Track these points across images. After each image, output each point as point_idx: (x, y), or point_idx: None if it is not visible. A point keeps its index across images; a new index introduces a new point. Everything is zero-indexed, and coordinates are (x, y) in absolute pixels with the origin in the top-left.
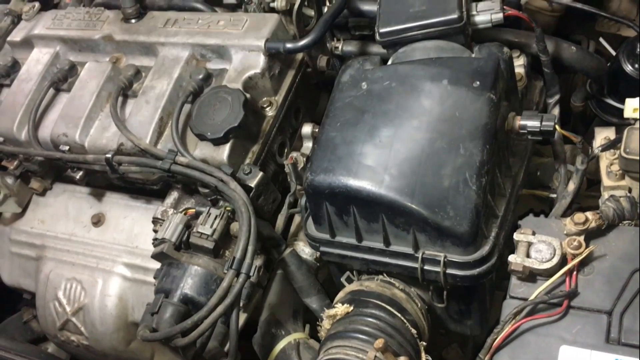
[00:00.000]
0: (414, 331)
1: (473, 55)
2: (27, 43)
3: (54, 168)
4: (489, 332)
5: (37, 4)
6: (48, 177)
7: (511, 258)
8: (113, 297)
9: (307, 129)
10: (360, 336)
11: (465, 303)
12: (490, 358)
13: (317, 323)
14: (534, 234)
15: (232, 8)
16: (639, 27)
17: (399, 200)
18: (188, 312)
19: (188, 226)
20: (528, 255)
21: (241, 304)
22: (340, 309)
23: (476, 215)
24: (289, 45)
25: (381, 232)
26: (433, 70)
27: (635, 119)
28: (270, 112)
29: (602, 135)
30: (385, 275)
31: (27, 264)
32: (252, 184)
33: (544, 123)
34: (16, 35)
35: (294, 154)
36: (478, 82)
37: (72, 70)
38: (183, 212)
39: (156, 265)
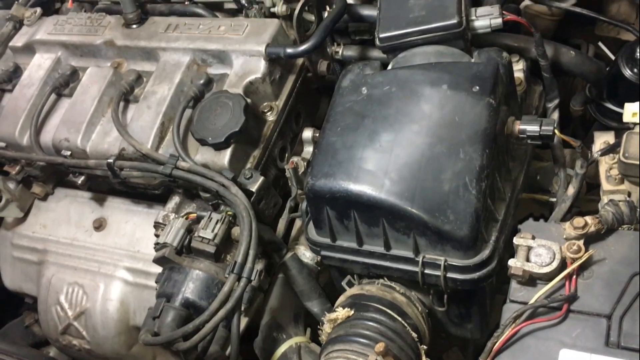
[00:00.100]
0: (414, 335)
1: (472, 60)
2: (29, 48)
3: (56, 173)
4: (489, 335)
5: (38, 10)
6: (50, 182)
7: (511, 262)
8: (115, 302)
9: (307, 133)
10: (361, 340)
11: (465, 307)
12: None
13: (318, 327)
14: (533, 238)
15: (233, 13)
16: (638, 31)
17: (399, 205)
18: (189, 316)
19: (189, 231)
20: (528, 260)
21: (242, 308)
22: (341, 312)
23: (476, 219)
24: (289, 50)
25: (382, 236)
26: (433, 75)
27: (634, 124)
28: (271, 117)
29: (602, 139)
30: (385, 279)
31: (29, 268)
32: (253, 188)
33: (543, 127)
34: (18, 41)
35: (295, 159)
36: (477, 87)
37: (73, 76)
38: (184, 217)
39: (158, 269)
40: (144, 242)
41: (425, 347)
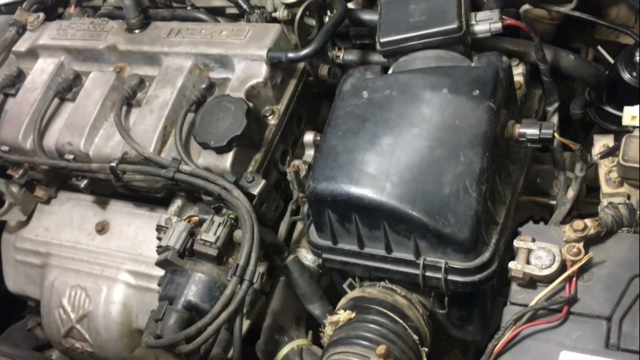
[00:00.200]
0: (415, 337)
1: (472, 64)
2: (32, 53)
3: (59, 176)
4: (490, 338)
5: (41, 15)
6: (53, 186)
7: (511, 264)
8: (117, 304)
9: (309, 137)
10: (363, 342)
11: (466, 309)
12: None
13: (320, 329)
14: (533, 240)
15: (235, 18)
16: (638, 35)
17: (400, 208)
18: (192, 318)
19: (192, 234)
20: (528, 262)
21: (244, 311)
22: (342, 315)
23: (476, 222)
24: (290, 54)
25: (383, 239)
26: (433, 79)
27: (634, 127)
28: (272, 121)
29: (601, 142)
30: (387, 281)
31: (32, 271)
32: (255, 191)
33: (543, 131)
34: (21, 46)
35: (296, 162)
36: (477, 91)
37: (76, 80)
38: (187, 220)
39: (160, 272)
40: (147, 245)
41: (426, 349)
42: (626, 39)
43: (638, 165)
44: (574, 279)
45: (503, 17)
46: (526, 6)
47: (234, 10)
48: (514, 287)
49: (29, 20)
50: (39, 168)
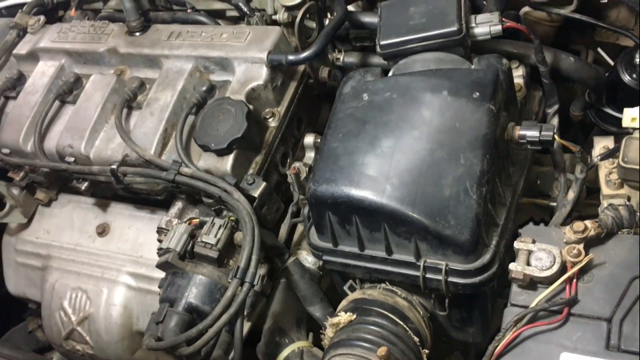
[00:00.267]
0: (416, 339)
1: (472, 67)
2: (33, 56)
3: (60, 179)
4: (491, 339)
5: (42, 18)
6: (53, 188)
7: (512, 266)
8: (118, 307)
9: (309, 139)
10: (363, 344)
11: (467, 311)
12: None
13: (321, 331)
14: (534, 242)
15: (235, 21)
16: (638, 37)
17: (401, 210)
18: (193, 321)
19: (192, 236)
20: (528, 264)
21: (245, 313)
22: (343, 317)
23: (477, 224)
24: (291, 57)
25: (383, 241)
26: (433, 82)
27: (634, 128)
28: (272, 123)
29: (601, 144)
30: (387, 283)
31: (33, 273)
32: (256, 193)
33: (543, 133)
34: (22, 49)
35: (297, 164)
36: (477, 93)
37: (77, 83)
38: (187, 222)
39: (161, 274)
40: (147, 248)
41: (427, 351)
42: (626, 41)
43: (638, 167)
44: (575, 280)
45: (503, 19)
46: (526, 8)
47: (235, 13)
48: (515, 288)
49: (30, 23)
50: (39, 171)
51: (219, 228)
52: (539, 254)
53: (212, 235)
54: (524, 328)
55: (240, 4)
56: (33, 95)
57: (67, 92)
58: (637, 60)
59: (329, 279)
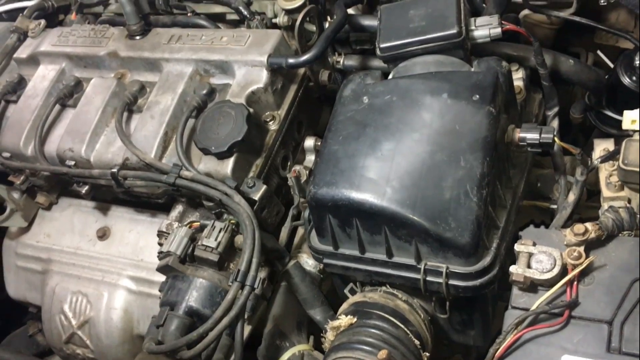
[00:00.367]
0: (417, 342)
1: (472, 69)
2: (33, 60)
3: (60, 183)
4: (492, 342)
5: (42, 22)
6: (54, 192)
7: (512, 269)
8: (118, 310)
9: (309, 142)
10: (364, 347)
11: (467, 313)
12: None
13: (321, 334)
14: (534, 244)
15: (235, 24)
16: (638, 39)
17: (401, 212)
18: (193, 324)
19: (193, 239)
20: (529, 266)
21: (246, 316)
22: (344, 320)
23: (477, 226)
24: (291, 60)
25: (384, 243)
26: (433, 84)
27: (634, 131)
28: (273, 126)
29: (601, 146)
30: (388, 286)
31: (33, 277)
32: (256, 197)
33: (543, 135)
34: (22, 52)
35: (297, 167)
36: (477, 96)
37: (77, 86)
38: (188, 226)
39: (161, 278)
40: (148, 251)
41: (427, 354)
42: (626, 43)
43: (638, 169)
44: (575, 282)
45: (502, 22)
46: (525, 11)
47: (235, 17)
48: (515, 291)
49: (30, 27)
50: (40, 174)
51: (220, 231)
52: (539, 256)
53: (213, 239)
54: (525, 331)
55: (241, 8)
56: (34, 99)
57: (67, 95)
58: (637, 62)
59: (329, 282)
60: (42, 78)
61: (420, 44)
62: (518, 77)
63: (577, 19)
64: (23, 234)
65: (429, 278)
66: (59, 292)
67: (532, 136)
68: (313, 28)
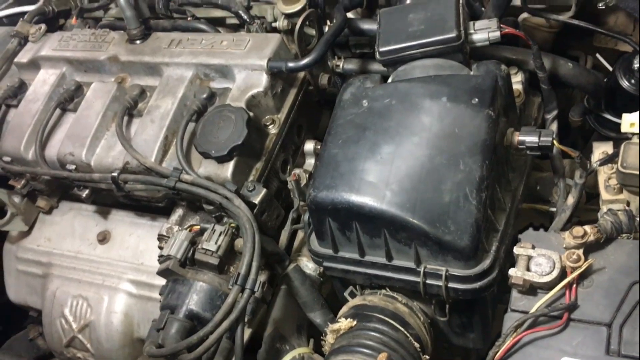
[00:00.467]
0: (417, 345)
1: (471, 73)
2: (34, 64)
3: (61, 187)
4: (491, 345)
5: (43, 26)
6: (54, 196)
7: (511, 272)
8: (119, 314)
9: (309, 145)
10: (364, 350)
11: (467, 316)
12: None
13: (321, 338)
14: (533, 247)
15: (235, 28)
16: (637, 43)
17: (401, 216)
18: (194, 327)
19: (193, 243)
20: (528, 269)
21: (246, 320)
22: (343, 323)
23: (477, 229)
24: (290, 64)
25: (383, 247)
26: (432, 88)
27: (633, 134)
28: (273, 130)
29: (600, 149)
30: (388, 289)
31: (34, 281)
32: (256, 200)
33: (542, 138)
34: (23, 57)
35: (297, 171)
36: (476, 99)
37: (78, 91)
38: (188, 229)
39: (161, 281)
40: (148, 255)
41: (427, 357)
42: (625, 46)
43: (637, 172)
44: (574, 285)
45: (501, 25)
46: (524, 15)
47: (235, 21)
48: (515, 294)
49: (31, 31)
50: (40, 178)
51: (220, 235)
52: (538, 259)
53: (213, 242)
54: (524, 333)
55: (240, 12)
56: (34, 103)
57: (68, 100)
58: (636, 65)
59: (329, 285)
60: (43, 82)
61: (419, 48)
62: (517, 81)
63: (575, 22)
64: (24, 238)
65: (428, 281)
66: (60, 296)
67: (531, 139)
68: (313, 32)
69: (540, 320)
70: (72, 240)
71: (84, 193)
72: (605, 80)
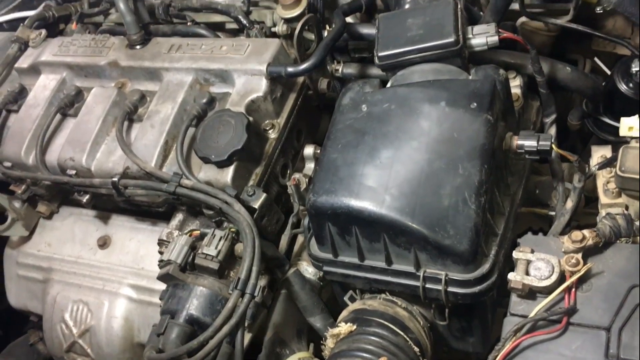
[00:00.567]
0: (416, 349)
1: (470, 78)
2: (34, 69)
3: (61, 192)
4: (491, 349)
5: (43, 31)
6: (55, 201)
7: (511, 276)
8: (119, 319)
9: (309, 150)
10: (364, 355)
11: (466, 320)
12: None
13: (321, 342)
14: (532, 251)
15: (235, 33)
16: (637, 46)
17: (400, 220)
18: (194, 332)
19: (193, 247)
20: (527, 273)
21: (246, 324)
22: (343, 327)
23: (476, 233)
24: (290, 69)
25: (383, 251)
26: (431, 93)
27: (631, 137)
28: (272, 135)
29: (599, 153)
30: (387, 293)
31: (34, 286)
32: (256, 205)
33: (540, 143)
34: (23, 62)
35: (297, 175)
36: (475, 104)
37: (78, 96)
38: (188, 234)
39: (162, 286)
40: (148, 260)
41: None
42: (623, 50)
43: (635, 176)
44: (573, 289)
45: (499, 30)
46: (523, 18)
47: (234, 26)
48: (514, 298)
49: (31, 37)
50: (41, 183)
51: (220, 240)
52: (537, 263)
53: (213, 247)
54: (524, 338)
55: (240, 17)
56: (35, 108)
57: (68, 105)
58: (634, 69)
59: (329, 290)
60: (43, 88)
61: (418, 53)
62: (515, 85)
63: (574, 26)
64: (24, 243)
65: (428, 285)
66: (60, 301)
67: (529, 143)
68: (312, 37)
69: (540, 324)
70: (72, 245)
71: (85, 198)
72: (603, 83)
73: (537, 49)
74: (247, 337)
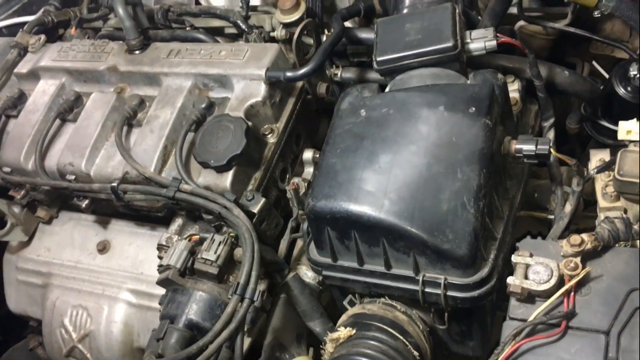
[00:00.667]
0: (416, 353)
1: (468, 82)
2: (34, 75)
3: (60, 197)
4: (490, 353)
5: (42, 37)
6: (54, 206)
7: (509, 280)
8: (119, 324)
9: (308, 154)
10: (363, 359)
11: (466, 324)
12: None
13: (321, 346)
14: (531, 255)
15: (234, 38)
16: (635, 50)
17: (399, 224)
18: (193, 337)
19: (192, 252)
20: (526, 277)
21: (245, 329)
22: (343, 332)
23: (475, 238)
24: (289, 73)
25: (382, 255)
26: (429, 97)
27: (629, 141)
28: (271, 139)
29: (597, 157)
30: (387, 298)
31: (34, 291)
32: (255, 210)
33: (539, 147)
34: (23, 67)
35: (296, 180)
36: (473, 108)
37: (77, 101)
38: (187, 239)
39: (161, 291)
40: (148, 264)
41: None
42: (621, 53)
43: (634, 180)
44: (572, 293)
45: (498, 34)
46: (521, 22)
47: (233, 30)
48: (513, 302)
49: (30, 42)
50: (40, 189)
51: (219, 244)
52: (536, 267)
53: (212, 252)
54: (523, 341)
55: (239, 22)
56: (34, 113)
57: (67, 110)
58: (632, 73)
59: (328, 294)
60: (43, 93)
61: (416, 57)
62: (514, 89)
63: (572, 29)
64: (23, 248)
65: (427, 289)
66: (60, 306)
67: (528, 147)
68: (311, 41)
69: (539, 328)
70: (71, 250)
71: (84, 203)
72: (601, 87)
73: (535, 52)
74: (247, 341)
